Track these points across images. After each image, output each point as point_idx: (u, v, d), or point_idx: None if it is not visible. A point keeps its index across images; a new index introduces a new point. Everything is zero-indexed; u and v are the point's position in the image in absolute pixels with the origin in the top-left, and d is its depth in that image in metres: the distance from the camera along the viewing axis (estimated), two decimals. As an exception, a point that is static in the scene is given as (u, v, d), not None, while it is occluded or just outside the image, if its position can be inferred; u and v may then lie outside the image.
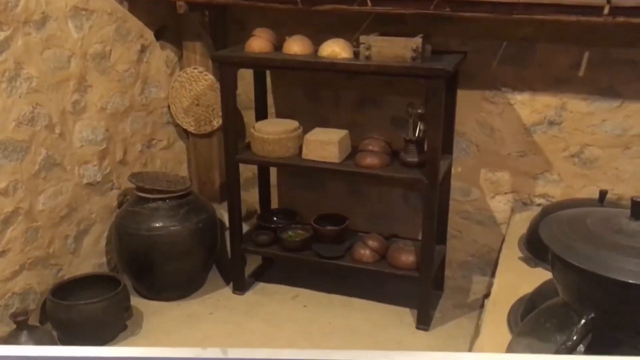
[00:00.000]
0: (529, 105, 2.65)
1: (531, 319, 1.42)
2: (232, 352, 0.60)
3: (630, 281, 1.12)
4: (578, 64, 2.54)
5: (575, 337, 1.20)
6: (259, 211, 3.16)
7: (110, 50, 2.74)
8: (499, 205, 2.83)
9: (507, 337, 1.73)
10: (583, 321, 1.21)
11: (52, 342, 2.35)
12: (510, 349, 1.44)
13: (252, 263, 3.11)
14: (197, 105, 3.04)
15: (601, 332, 1.21)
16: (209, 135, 3.11)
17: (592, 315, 1.21)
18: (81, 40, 2.58)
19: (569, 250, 1.22)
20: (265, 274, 3.10)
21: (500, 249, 2.60)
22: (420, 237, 2.66)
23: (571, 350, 1.20)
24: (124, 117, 2.86)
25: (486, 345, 1.84)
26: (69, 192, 2.64)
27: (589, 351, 1.22)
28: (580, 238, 1.24)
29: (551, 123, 2.63)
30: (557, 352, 1.21)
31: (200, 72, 3.00)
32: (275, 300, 2.88)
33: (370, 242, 2.75)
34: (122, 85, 2.82)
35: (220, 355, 0.60)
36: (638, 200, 1.26)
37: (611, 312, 1.21)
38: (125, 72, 2.83)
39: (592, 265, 1.17)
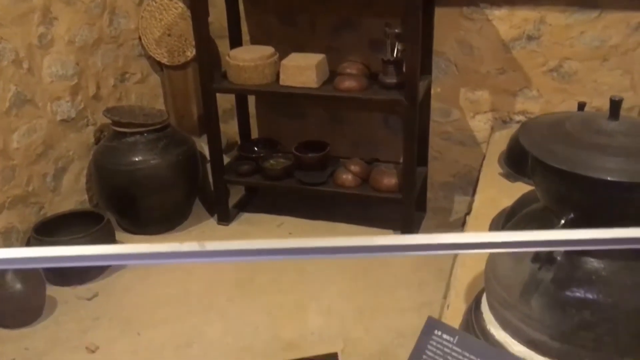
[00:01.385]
0: (507, 21, 2.60)
1: (511, 225, 1.44)
2: (210, 245, 0.60)
3: (609, 179, 1.13)
4: (556, -26, 2.48)
5: (555, 238, 1.22)
6: (239, 142, 3.13)
7: (74, -21, 2.62)
8: (479, 125, 2.83)
9: (489, 247, 1.76)
10: (562, 222, 1.22)
11: (39, 279, 2.35)
12: (491, 257, 1.46)
13: (236, 194, 3.11)
14: (169, 35, 2.96)
15: (580, 232, 1.23)
16: (183, 66, 3.04)
17: (572, 216, 1.22)
18: (42, -31, 2.47)
19: (548, 153, 1.22)
20: (249, 204, 3.11)
21: (481, 167, 2.62)
22: (401, 160, 2.66)
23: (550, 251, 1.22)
24: (93, 50, 2.78)
25: (467, 256, 1.87)
26: (43, 129, 2.58)
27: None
28: (559, 141, 1.24)
29: (530, 38, 2.60)
30: (537, 252, 1.23)
31: (170, 0, 2.90)
32: (260, 230, 2.90)
33: (352, 167, 2.75)
34: (89, 17, 2.72)
35: (198, 249, 0.59)
36: (616, 99, 1.25)
37: (591, 212, 1.22)
38: (92, 2, 2.72)
39: (572, 166, 1.17)
